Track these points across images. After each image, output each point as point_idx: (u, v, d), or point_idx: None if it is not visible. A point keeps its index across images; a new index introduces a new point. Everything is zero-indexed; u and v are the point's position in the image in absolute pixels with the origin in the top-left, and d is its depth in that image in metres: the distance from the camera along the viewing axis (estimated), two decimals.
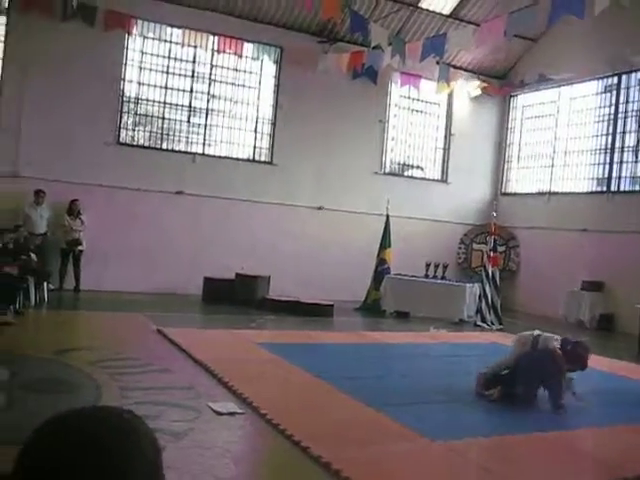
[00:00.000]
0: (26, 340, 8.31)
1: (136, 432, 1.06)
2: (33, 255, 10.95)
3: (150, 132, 14.09)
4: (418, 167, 17.06)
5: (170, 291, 13.22)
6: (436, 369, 8.16)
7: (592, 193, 15.26)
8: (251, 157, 14.72)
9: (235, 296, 12.56)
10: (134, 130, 14.02)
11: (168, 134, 14.13)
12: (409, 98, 16.55)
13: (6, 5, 12.58)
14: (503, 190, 17.59)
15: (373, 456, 4.86)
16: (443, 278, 13.84)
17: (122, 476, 0.99)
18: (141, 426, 1.08)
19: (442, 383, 7.17)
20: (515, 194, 17.25)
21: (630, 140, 14.57)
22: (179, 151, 14.00)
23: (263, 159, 14.77)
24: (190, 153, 14.01)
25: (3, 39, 12.60)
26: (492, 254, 13.37)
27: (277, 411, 5.64)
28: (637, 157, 14.42)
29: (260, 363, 7.67)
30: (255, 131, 14.77)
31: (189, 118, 14.19)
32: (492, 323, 12.90)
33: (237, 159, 14.49)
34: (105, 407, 1.12)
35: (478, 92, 16.76)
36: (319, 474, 4.47)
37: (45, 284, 11.22)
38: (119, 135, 13.55)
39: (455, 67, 16.10)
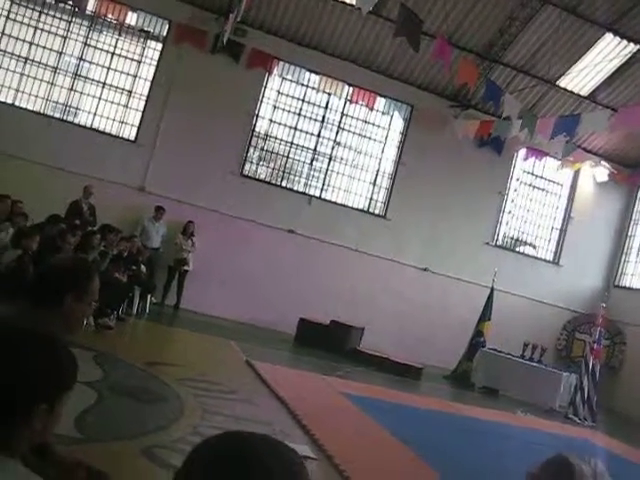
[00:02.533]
0: (122, 346, 8.65)
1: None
2: (143, 267, 11.42)
3: (273, 169, 14.54)
4: (531, 244, 16.67)
5: (265, 325, 13.40)
6: (518, 455, 7.83)
7: None
8: (365, 208, 14.86)
9: (327, 342, 12.53)
10: (258, 164, 14.52)
11: (289, 173, 14.54)
12: (532, 174, 16.31)
13: (164, 34, 13.46)
14: (617, 282, 16.86)
15: None
16: (539, 362, 13.33)
17: None
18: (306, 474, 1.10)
19: (521, 470, 6.87)
20: (630, 288, 16.47)
21: None
22: (297, 191, 14.34)
23: (377, 212, 14.88)
24: (307, 195, 14.32)
25: (155, 63, 13.45)
26: (595, 346, 12.79)
27: (350, 464, 5.57)
28: None
29: (341, 412, 7.63)
30: (374, 183, 14.95)
31: (312, 161, 14.55)
32: (585, 419, 12.27)
33: (352, 208, 14.67)
34: (285, 446, 1.13)
35: (605, 178, 16.27)
36: None
37: (149, 296, 11.67)
38: (243, 167, 14.05)
39: (585, 150, 15.73)
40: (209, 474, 1.04)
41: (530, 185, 16.42)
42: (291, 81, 14.31)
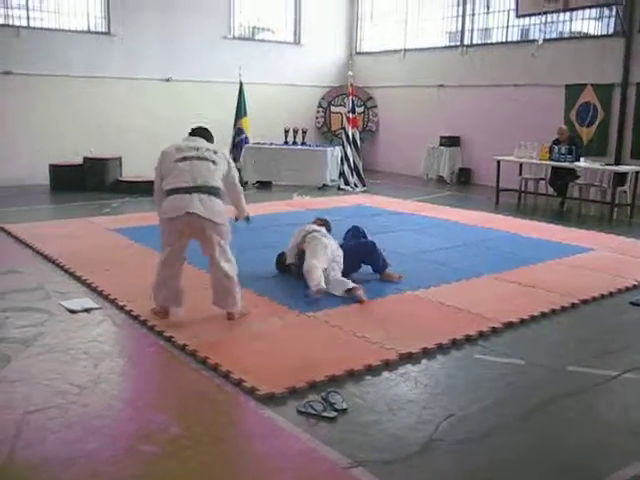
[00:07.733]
0: None
1: None
2: None
3: None
4: (269, 30, 16.22)
5: (13, 183, 12.11)
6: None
7: (446, 47, 15.10)
8: (85, 28, 13.30)
9: (86, 182, 11.80)
10: None
11: None
12: None
13: None
14: (358, 49, 17.15)
15: (245, 337, 4.61)
16: (303, 144, 13.53)
17: None
18: None
19: None
20: (370, 53, 16.86)
21: None
22: None
23: (100, 29, 13.40)
24: (12, 26, 12.38)
25: None
26: (351, 116, 13.14)
27: (136, 302, 5.26)
28: (488, 9, 14.28)
29: (116, 251, 7.16)
30: None
31: None
32: (355, 185, 12.87)
33: (70, 31, 13.03)
34: None
35: None
36: (188, 364, 4.17)
37: None
38: None
39: None
40: None
41: None
42: None
